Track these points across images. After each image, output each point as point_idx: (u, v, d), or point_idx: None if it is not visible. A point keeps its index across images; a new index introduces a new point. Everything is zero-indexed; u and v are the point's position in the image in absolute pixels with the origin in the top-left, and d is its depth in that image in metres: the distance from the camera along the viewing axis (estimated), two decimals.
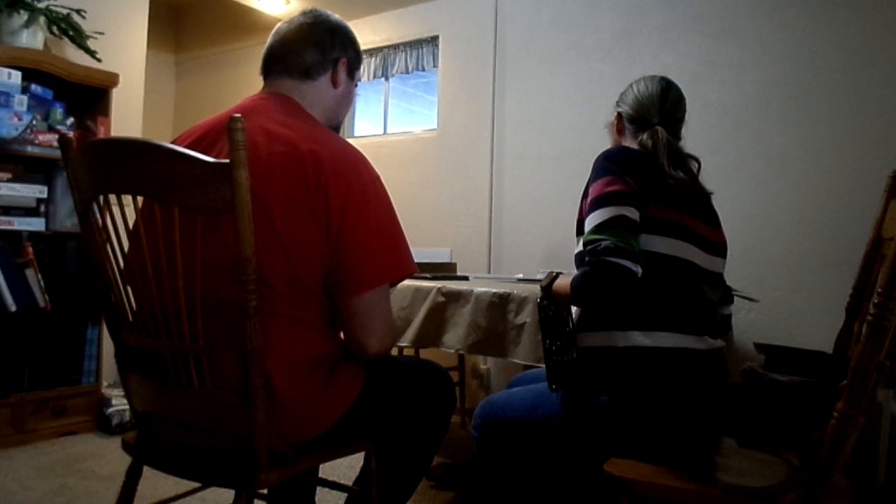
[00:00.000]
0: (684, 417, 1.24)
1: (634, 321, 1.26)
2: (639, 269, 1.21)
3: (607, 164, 1.33)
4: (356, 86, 1.40)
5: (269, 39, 1.32)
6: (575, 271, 1.43)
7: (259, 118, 1.16)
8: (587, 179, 1.38)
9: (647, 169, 1.33)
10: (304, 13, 1.32)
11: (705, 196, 1.41)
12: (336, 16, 1.34)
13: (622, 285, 1.19)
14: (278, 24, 1.33)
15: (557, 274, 1.44)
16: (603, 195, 1.27)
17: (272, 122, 1.15)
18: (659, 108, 1.45)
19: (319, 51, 1.28)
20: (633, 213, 1.26)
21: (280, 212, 1.07)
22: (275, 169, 1.08)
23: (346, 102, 1.37)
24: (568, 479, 1.45)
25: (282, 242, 1.06)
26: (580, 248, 1.33)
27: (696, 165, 1.44)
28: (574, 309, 1.48)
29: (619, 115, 1.53)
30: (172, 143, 1.11)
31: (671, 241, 1.29)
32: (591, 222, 1.27)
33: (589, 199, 1.32)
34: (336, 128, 1.35)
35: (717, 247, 1.39)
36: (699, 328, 1.29)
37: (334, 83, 1.32)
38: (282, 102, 1.24)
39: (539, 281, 1.51)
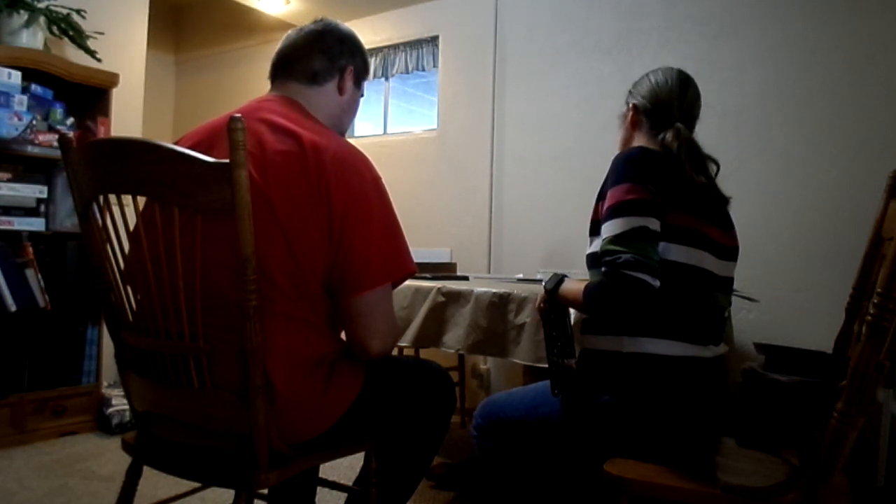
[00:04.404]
0: (685, 420, 1.24)
1: (645, 328, 1.24)
2: (657, 283, 1.17)
3: (628, 169, 1.25)
4: (362, 95, 1.42)
5: (279, 45, 1.34)
6: (581, 272, 1.42)
7: (265, 117, 1.17)
8: (604, 179, 1.33)
9: (668, 174, 1.27)
10: (314, 21, 1.34)
11: (723, 201, 1.37)
12: (346, 25, 1.37)
13: (641, 300, 1.16)
14: (288, 31, 1.35)
15: (563, 277, 1.42)
16: (623, 203, 1.22)
17: (278, 121, 1.16)
18: (679, 104, 1.38)
19: (327, 58, 1.31)
20: (653, 224, 1.21)
21: (283, 208, 1.07)
22: (279, 166, 1.09)
23: (350, 110, 1.39)
24: (568, 478, 1.45)
25: (286, 238, 1.07)
26: (593, 249, 1.31)
27: (715, 168, 1.38)
28: (573, 311, 1.47)
29: (635, 107, 1.44)
30: (175, 145, 1.11)
31: (689, 249, 1.25)
32: (609, 230, 1.23)
33: (607, 204, 1.26)
34: (340, 135, 1.36)
35: (730, 251, 1.36)
36: (708, 337, 1.28)
37: (340, 90, 1.34)
38: (287, 104, 1.25)
39: (539, 281, 1.51)
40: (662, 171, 1.27)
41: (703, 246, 1.27)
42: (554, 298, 1.40)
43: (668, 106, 1.38)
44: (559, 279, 1.41)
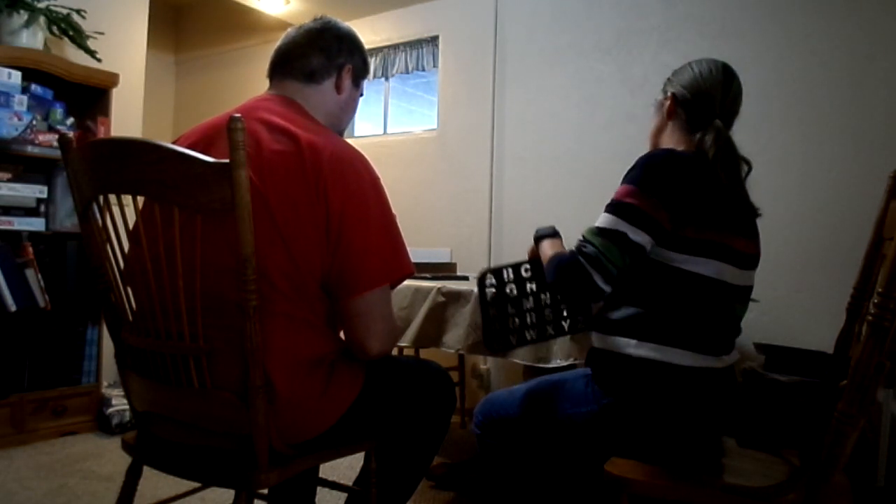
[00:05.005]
0: (693, 428, 1.23)
1: (658, 335, 1.23)
2: (608, 288, 1.16)
3: (642, 173, 1.21)
4: (361, 94, 1.41)
5: (278, 44, 1.33)
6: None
7: (262, 116, 1.17)
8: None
9: (690, 183, 1.21)
10: (314, 20, 1.34)
11: (752, 212, 1.32)
12: (345, 24, 1.36)
13: (584, 294, 1.16)
14: (287, 30, 1.35)
15: (554, 233, 1.40)
16: (619, 203, 1.21)
17: (275, 121, 1.16)
18: (721, 98, 1.31)
19: (325, 56, 1.30)
20: (636, 235, 1.18)
21: (281, 209, 1.07)
22: (276, 166, 1.09)
23: (349, 109, 1.38)
24: (569, 477, 1.45)
25: (284, 239, 1.07)
26: None
27: (747, 169, 1.33)
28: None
29: (674, 96, 1.36)
30: (174, 144, 1.11)
31: (710, 262, 1.22)
32: (597, 221, 1.22)
33: (612, 197, 1.24)
34: (338, 134, 1.35)
35: (751, 259, 1.31)
36: (721, 348, 1.27)
37: (338, 89, 1.33)
38: (285, 103, 1.25)
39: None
40: (686, 178, 1.22)
41: (725, 258, 1.23)
42: (537, 259, 1.39)
43: (710, 99, 1.31)
44: (550, 233, 1.40)
